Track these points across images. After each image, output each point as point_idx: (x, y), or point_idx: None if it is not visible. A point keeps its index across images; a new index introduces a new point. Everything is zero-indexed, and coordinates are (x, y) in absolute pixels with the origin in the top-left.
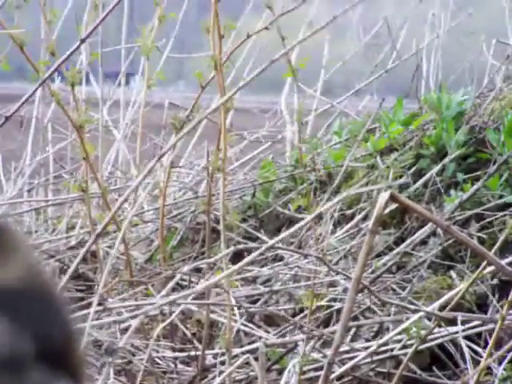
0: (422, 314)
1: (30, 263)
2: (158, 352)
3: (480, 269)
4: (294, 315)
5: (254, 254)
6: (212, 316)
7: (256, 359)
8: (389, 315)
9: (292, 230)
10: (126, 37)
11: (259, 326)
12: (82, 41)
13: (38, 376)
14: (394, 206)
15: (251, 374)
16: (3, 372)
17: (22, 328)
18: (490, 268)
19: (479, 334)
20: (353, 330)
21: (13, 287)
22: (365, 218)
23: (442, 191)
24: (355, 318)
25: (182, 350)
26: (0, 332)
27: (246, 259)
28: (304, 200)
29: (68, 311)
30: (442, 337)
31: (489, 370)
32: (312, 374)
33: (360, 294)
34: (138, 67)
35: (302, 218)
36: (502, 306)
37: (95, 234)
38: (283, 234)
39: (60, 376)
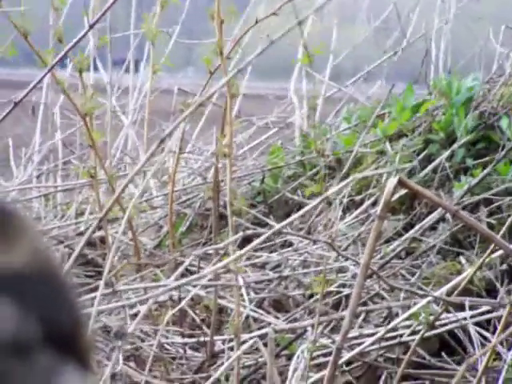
0: (430, 298)
1: (37, 247)
2: (167, 338)
3: (488, 252)
4: (300, 304)
5: (261, 238)
6: (221, 302)
7: (265, 345)
8: (398, 301)
9: (300, 213)
10: (134, 23)
11: (268, 312)
12: (91, 27)
13: (45, 360)
14: (402, 191)
15: (260, 359)
16: (10, 356)
17: (29, 311)
18: (499, 252)
19: (488, 320)
20: (362, 315)
21: (20, 271)
22: (374, 204)
23: (451, 177)
24: (364, 304)
25: (191, 336)
26: (7, 315)
27: (254, 242)
28: (316, 186)
29: (76, 295)
30: (451, 322)
31: (497, 356)
32: (321, 360)
33: (369, 280)
34: (146, 53)
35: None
36: (510, 291)
37: (99, 218)
38: (291, 218)
39: (68, 360)
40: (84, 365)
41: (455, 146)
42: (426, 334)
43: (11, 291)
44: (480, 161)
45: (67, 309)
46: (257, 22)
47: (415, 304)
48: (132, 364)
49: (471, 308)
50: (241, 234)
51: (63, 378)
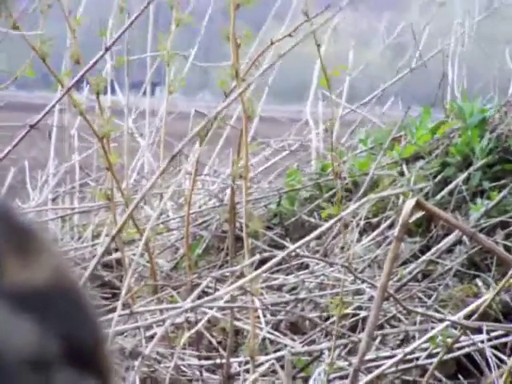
0: (447, 323)
1: (57, 264)
2: (183, 360)
3: (507, 277)
4: (318, 324)
5: (277, 258)
6: (237, 324)
7: (282, 367)
8: (414, 323)
9: (316, 233)
10: (151, 46)
11: (285, 334)
12: (107, 49)
13: (66, 377)
14: (419, 213)
15: (276, 382)
16: (30, 373)
17: (50, 328)
18: None
19: (505, 343)
20: (378, 338)
21: (41, 287)
22: (390, 227)
23: (468, 199)
24: (381, 327)
25: (207, 358)
26: (28, 332)
27: (270, 262)
28: (334, 208)
29: (96, 313)
30: (468, 346)
31: None
32: (338, 383)
33: (385, 302)
34: (164, 76)
35: (329, 226)
36: None
37: (111, 236)
38: (307, 239)
39: (88, 378)
40: (104, 382)
41: (471, 168)
42: (443, 357)
43: (32, 308)
44: (497, 183)
45: (88, 326)
46: (272, 44)
47: (432, 328)
48: None
49: (488, 331)
50: (257, 256)
51: None
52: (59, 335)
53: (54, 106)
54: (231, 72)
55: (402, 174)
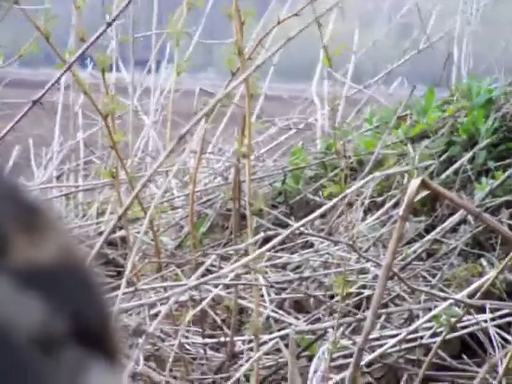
0: (451, 301)
1: (65, 242)
2: (187, 338)
3: (510, 255)
4: (322, 302)
5: (281, 236)
6: (241, 302)
7: (286, 346)
8: (419, 302)
9: (320, 211)
10: (156, 24)
11: (289, 313)
12: (109, 24)
13: (73, 356)
14: (424, 193)
15: (280, 360)
16: (37, 351)
17: (58, 307)
18: None
19: (509, 322)
20: (382, 317)
21: (48, 265)
22: (395, 206)
23: (473, 179)
24: (385, 306)
25: (211, 336)
26: (35, 310)
27: (274, 240)
28: (337, 187)
29: (103, 292)
30: (472, 325)
31: None
32: (342, 361)
33: (390, 281)
34: (170, 54)
35: (333, 205)
36: None
37: (117, 217)
38: (311, 217)
39: (96, 356)
40: (113, 361)
41: (477, 148)
42: (447, 336)
43: (39, 286)
44: (502, 163)
45: (95, 305)
46: (279, 23)
47: (436, 307)
48: (152, 364)
49: (492, 310)
50: (262, 234)
51: (91, 374)
52: (66, 313)
53: (56, 82)
54: (235, 50)
55: (404, 154)
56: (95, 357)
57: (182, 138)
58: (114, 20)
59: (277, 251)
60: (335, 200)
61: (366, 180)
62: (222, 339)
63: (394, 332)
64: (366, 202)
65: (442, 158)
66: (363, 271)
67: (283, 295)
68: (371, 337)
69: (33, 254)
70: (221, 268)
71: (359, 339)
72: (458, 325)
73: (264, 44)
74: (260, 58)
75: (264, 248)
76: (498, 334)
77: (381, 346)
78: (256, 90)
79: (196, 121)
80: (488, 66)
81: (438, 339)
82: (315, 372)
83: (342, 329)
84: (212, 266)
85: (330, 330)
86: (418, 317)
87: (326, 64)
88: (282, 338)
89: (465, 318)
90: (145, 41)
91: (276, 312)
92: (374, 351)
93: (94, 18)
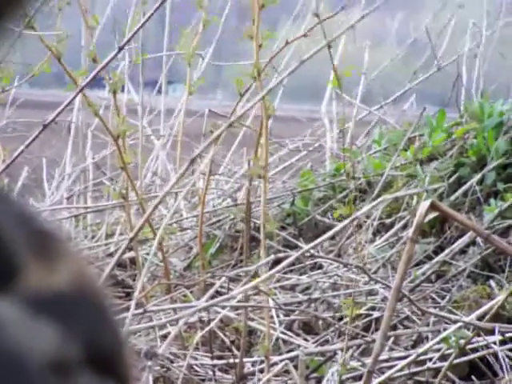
0: (460, 323)
1: (79, 267)
2: (196, 359)
3: None
4: (331, 324)
5: (290, 259)
6: (250, 324)
7: (295, 367)
8: (428, 324)
9: (329, 234)
10: (166, 45)
11: (298, 334)
12: (121, 48)
13: (87, 382)
14: (433, 214)
15: (290, 382)
16: (51, 377)
17: (72, 333)
18: None
19: None
20: (391, 339)
21: (62, 291)
22: (404, 227)
23: (482, 200)
24: (394, 328)
25: (220, 358)
26: (49, 336)
27: (284, 263)
28: (346, 208)
29: (116, 316)
30: (481, 347)
31: None
32: (350, 383)
33: (399, 303)
34: (176, 75)
35: (342, 227)
36: None
37: (129, 239)
38: (320, 239)
39: (109, 381)
40: None
41: (486, 169)
42: (456, 359)
43: (53, 312)
44: (511, 184)
45: (109, 331)
46: (287, 43)
47: (445, 329)
48: None
49: (501, 333)
50: (272, 256)
51: None
52: (81, 340)
53: (67, 106)
54: (253, 72)
55: (413, 175)
56: (108, 382)
57: (194, 161)
58: (126, 43)
59: (286, 272)
60: (345, 222)
61: (375, 202)
62: (231, 361)
63: (403, 354)
64: (375, 223)
65: (450, 180)
66: (372, 293)
67: (292, 317)
68: (380, 359)
69: (46, 279)
70: (230, 290)
71: (368, 361)
72: (467, 347)
73: (274, 64)
74: (273, 80)
75: (274, 270)
76: (507, 356)
77: (390, 367)
78: (273, 110)
79: (208, 144)
80: (497, 87)
81: (447, 361)
82: None
83: (351, 351)
84: (221, 287)
85: (339, 352)
86: (427, 339)
87: (336, 85)
88: (291, 359)
89: (474, 340)
90: (154, 61)
91: (285, 333)
92: (383, 373)
93: (104, 37)
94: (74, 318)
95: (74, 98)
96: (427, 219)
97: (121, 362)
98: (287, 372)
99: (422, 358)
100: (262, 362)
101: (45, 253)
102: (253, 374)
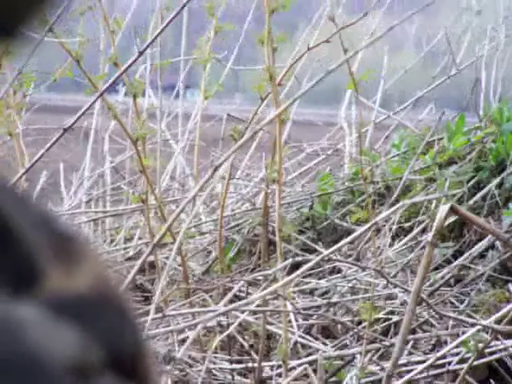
0: (479, 327)
1: (100, 271)
2: (215, 364)
3: None
4: (350, 329)
5: (309, 264)
6: (269, 328)
7: (314, 371)
8: (446, 328)
9: (349, 239)
10: (184, 49)
11: (316, 338)
12: (141, 53)
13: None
14: (452, 218)
15: None
16: (73, 381)
17: (93, 336)
18: None
19: None
20: (410, 342)
21: (83, 295)
22: (423, 231)
23: (501, 204)
24: (413, 331)
25: (239, 362)
26: (70, 340)
27: (303, 268)
28: (364, 212)
29: (136, 320)
30: (500, 350)
31: None
32: None
33: (418, 307)
34: (195, 80)
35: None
36: None
37: (152, 245)
38: (339, 244)
39: None
40: None
41: (505, 173)
42: (475, 362)
43: (74, 316)
44: None
45: (131, 334)
46: (309, 49)
47: (464, 333)
48: None
49: None
50: (290, 260)
51: None
52: (102, 343)
53: (87, 110)
54: (265, 76)
55: (432, 179)
56: None
57: (218, 168)
58: (146, 48)
59: (304, 276)
60: (365, 227)
61: (395, 207)
62: (250, 365)
63: (422, 358)
64: (394, 227)
65: (469, 184)
66: (391, 297)
67: (311, 321)
68: (399, 363)
69: (67, 282)
70: (248, 294)
71: (387, 365)
72: (486, 350)
73: (294, 70)
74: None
75: (293, 275)
76: None
77: (408, 371)
78: (287, 115)
79: (233, 151)
80: None
81: (466, 365)
82: None
83: (369, 355)
84: (240, 291)
85: (358, 356)
86: (445, 342)
87: (352, 88)
88: (310, 363)
89: (492, 344)
90: (173, 66)
91: (304, 337)
92: (401, 377)
93: (122, 41)
94: (95, 321)
95: (95, 101)
96: (446, 223)
97: (142, 365)
98: (306, 376)
99: (440, 361)
100: (280, 366)
101: (66, 256)
102: (271, 378)
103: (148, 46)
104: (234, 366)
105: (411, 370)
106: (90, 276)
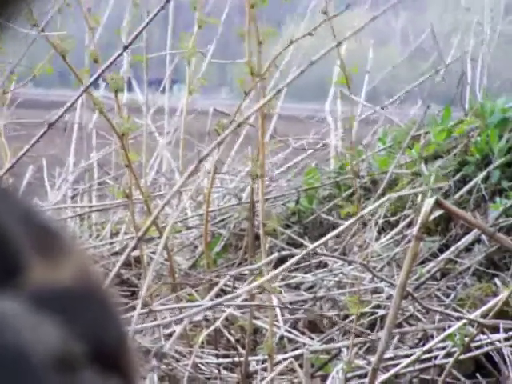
0: (465, 321)
1: (82, 264)
2: (201, 358)
3: None
4: (336, 323)
5: (295, 258)
6: (255, 322)
7: (300, 365)
8: (433, 322)
9: (335, 233)
10: (170, 44)
11: (303, 333)
12: (125, 48)
13: (91, 379)
14: (439, 212)
15: (295, 380)
16: (55, 374)
17: (75, 329)
18: None
19: None
20: (397, 337)
21: (66, 288)
22: (409, 225)
23: (487, 198)
24: (399, 325)
25: (225, 356)
26: (53, 333)
27: (289, 262)
28: (352, 207)
29: (120, 313)
30: (486, 345)
31: None
32: (356, 381)
33: (404, 301)
34: (181, 74)
35: (348, 225)
36: None
37: (136, 239)
38: (325, 238)
39: (112, 378)
40: (128, 382)
41: (491, 167)
42: (461, 356)
43: (56, 309)
44: None
45: (113, 327)
46: (292, 42)
47: (450, 327)
48: None
49: (506, 330)
50: (276, 254)
51: None
52: (84, 336)
53: (72, 105)
54: (248, 70)
55: (418, 173)
56: (112, 377)
57: (202, 161)
58: (130, 43)
59: (291, 271)
60: (350, 221)
61: (381, 201)
62: (236, 359)
63: (408, 352)
64: (380, 221)
65: (455, 178)
66: (377, 291)
67: (297, 315)
68: (385, 356)
69: (50, 276)
70: (235, 288)
71: (373, 359)
72: (472, 344)
73: (278, 64)
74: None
75: (279, 269)
76: (511, 353)
77: (395, 365)
78: (270, 109)
79: (216, 145)
80: (502, 85)
81: (452, 359)
82: None
83: (356, 349)
84: (226, 285)
85: (345, 350)
86: (432, 336)
87: (343, 83)
88: (297, 357)
89: (479, 338)
90: (158, 59)
91: (290, 332)
92: (388, 371)
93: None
94: (77, 314)
95: (80, 96)
96: (432, 217)
97: (125, 358)
98: (292, 370)
99: (427, 355)
100: (266, 360)
101: (49, 250)
102: (257, 372)
103: (132, 42)
104: (221, 360)
105: (398, 364)
106: (73, 270)
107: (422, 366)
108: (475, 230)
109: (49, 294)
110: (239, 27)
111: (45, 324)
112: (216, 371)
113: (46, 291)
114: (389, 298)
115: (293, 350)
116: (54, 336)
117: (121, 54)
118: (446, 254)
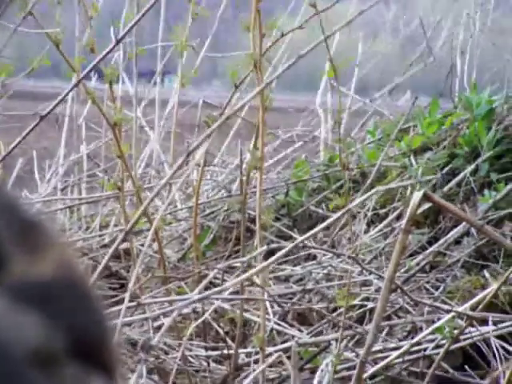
0: (454, 313)
1: (64, 258)
2: (190, 350)
3: None
4: (325, 316)
5: (284, 250)
6: (245, 315)
7: (289, 358)
8: (422, 315)
9: (323, 225)
10: (162, 36)
11: (292, 325)
12: (118, 41)
13: (72, 372)
14: (427, 205)
15: (284, 373)
16: (36, 367)
17: (57, 323)
18: None
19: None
20: (385, 329)
21: (47, 281)
22: (398, 218)
23: (476, 191)
24: (388, 318)
25: (214, 349)
26: (34, 327)
27: (278, 255)
28: (342, 199)
29: (102, 307)
30: (474, 337)
31: None
32: (345, 374)
33: (393, 294)
34: (172, 66)
35: (336, 217)
36: None
37: (125, 231)
38: (314, 231)
39: (94, 372)
40: (110, 377)
41: (479, 160)
42: (450, 348)
43: (37, 302)
44: (504, 175)
45: (95, 320)
46: (283, 35)
47: (439, 319)
48: (155, 377)
49: (495, 322)
50: (265, 247)
51: None
52: (66, 329)
53: (65, 97)
54: (249, 61)
55: (406, 166)
56: (94, 372)
57: (191, 154)
58: (124, 36)
59: (280, 263)
60: (339, 214)
61: (370, 193)
62: (226, 352)
63: (398, 344)
64: (369, 214)
65: (444, 171)
66: (366, 283)
67: (286, 308)
68: (374, 349)
69: (30, 269)
70: (224, 281)
71: (362, 352)
72: (461, 337)
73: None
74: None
75: (268, 261)
76: (500, 346)
77: (384, 358)
78: (271, 103)
79: (205, 137)
80: (491, 77)
81: (441, 351)
82: None
83: (345, 341)
84: (215, 278)
85: (334, 343)
86: (421, 329)
87: (332, 75)
88: (285, 350)
89: (468, 330)
90: (149, 52)
91: (279, 324)
92: (377, 363)
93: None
94: (59, 308)
95: (73, 88)
96: (421, 210)
97: (107, 351)
98: (282, 363)
99: (416, 348)
100: (256, 353)
101: (30, 243)
102: (247, 364)
103: (125, 35)
104: (210, 352)
105: (387, 357)
106: (54, 263)
107: (411, 357)
108: (464, 223)
109: (28, 288)
110: (243, 19)
111: (24, 318)
112: (205, 364)
113: (26, 284)
114: (378, 290)
115: (282, 343)
116: (33, 331)
117: (113, 48)
118: (435, 247)
